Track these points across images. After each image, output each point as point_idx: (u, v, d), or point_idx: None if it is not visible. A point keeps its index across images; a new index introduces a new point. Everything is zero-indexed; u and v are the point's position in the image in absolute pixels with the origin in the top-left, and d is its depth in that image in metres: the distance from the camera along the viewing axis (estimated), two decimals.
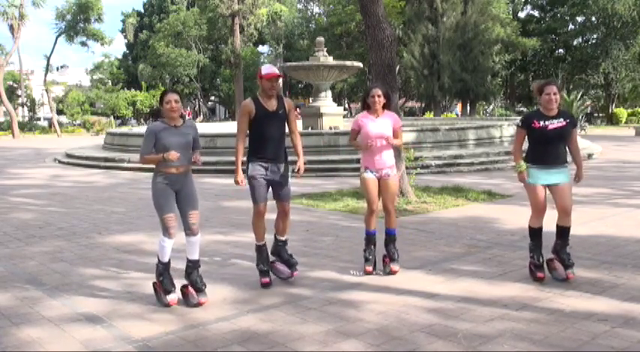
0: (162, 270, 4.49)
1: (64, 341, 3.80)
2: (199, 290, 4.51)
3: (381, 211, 5.29)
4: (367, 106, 5.18)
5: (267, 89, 4.86)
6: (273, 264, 5.15)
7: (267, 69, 4.92)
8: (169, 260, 4.53)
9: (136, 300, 4.57)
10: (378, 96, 5.09)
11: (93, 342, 3.77)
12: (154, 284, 4.59)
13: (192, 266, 4.58)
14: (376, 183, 5.12)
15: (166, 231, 4.43)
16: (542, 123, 4.77)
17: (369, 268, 5.19)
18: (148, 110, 51.37)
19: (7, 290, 4.91)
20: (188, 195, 4.53)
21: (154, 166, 4.49)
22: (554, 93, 4.73)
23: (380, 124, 5.10)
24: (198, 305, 4.44)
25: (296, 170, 5.01)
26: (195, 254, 4.58)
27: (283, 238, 5.14)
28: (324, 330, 3.89)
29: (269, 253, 5.14)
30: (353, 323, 4.02)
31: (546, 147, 4.80)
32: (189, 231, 4.55)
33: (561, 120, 4.78)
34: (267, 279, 4.93)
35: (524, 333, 3.76)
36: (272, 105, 4.89)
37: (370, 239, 5.24)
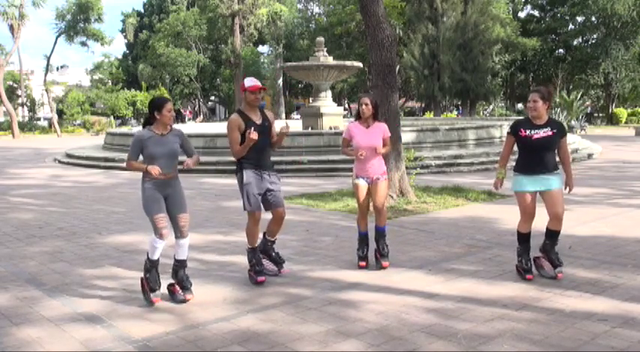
0: (150, 267, 4.53)
1: (64, 341, 3.80)
2: (185, 287, 4.61)
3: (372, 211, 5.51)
4: (358, 115, 5.43)
5: (251, 101, 4.94)
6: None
7: (250, 81, 4.96)
8: (158, 259, 4.57)
9: (136, 300, 4.57)
10: (365, 104, 5.31)
11: (93, 342, 3.77)
12: (142, 279, 4.62)
13: (180, 265, 4.67)
14: (367, 188, 5.40)
15: (158, 232, 4.47)
16: (528, 132, 4.82)
17: (363, 263, 5.44)
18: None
19: (7, 290, 4.92)
20: (177, 199, 4.60)
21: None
22: (534, 101, 4.78)
23: (370, 135, 5.32)
24: (184, 301, 4.52)
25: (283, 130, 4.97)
26: (184, 254, 4.68)
27: (273, 239, 5.26)
28: (324, 330, 3.89)
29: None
30: (353, 323, 4.02)
31: (532, 156, 4.83)
32: (179, 233, 4.63)
33: (548, 129, 4.80)
34: (263, 278, 5.00)
35: (524, 333, 3.76)
36: (257, 117, 4.99)
37: (363, 239, 5.52)
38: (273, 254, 5.25)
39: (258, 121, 4.96)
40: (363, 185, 5.36)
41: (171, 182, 4.55)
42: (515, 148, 5.01)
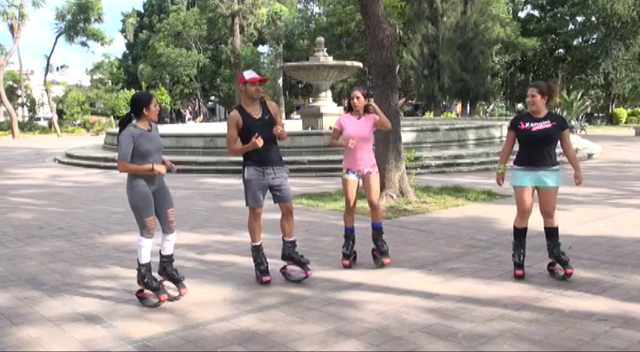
0: (146, 272, 4.48)
1: (64, 341, 3.80)
2: (178, 281, 4.58)
3: (368, 211, 5.48)
4: (350, 108, 5.46)
5: (252, 93, 4.90)
6: (285, 269, 5.16)
7: (249, 74, 4.94)
8: (150, 261, 4.53)
9: (136, 300, 4.56)
10: (357, 97, 5.35)
11: (93, 342, 3.77)
12: (138, 293, 4.56)
13: (168, 260, 4.63)
14: (356, 183, 5.42)
15: (147, 233, 4.46)
16: (527, 124, 4.86)
17: (346, 262, 5.46)
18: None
19: (7, 290, 4.92)
20: (164, 194, 4.57)
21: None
22: (532, 96, 4.84)
23: (361, 125, 5.36)
24: (180, 296, 4.51)
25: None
26: (171, 249, 4.65)
27: (291, 239, 5.13)
28: (324, 330, 3.89)
29: (280, 258, 5.18)
30: (353, 323, 4.02)
31: (531, 149, 4.85)
32: (167, 229, 4.59)
33: (547, 122, 4.82)
34: (268, 278, 4.98)
35: (524, 333, 3.76)
36: (257, 111, 4.93)
37: (348, 235, 5.52)
38: (297, 256, 5.08)
39: (258, 115, 4.91)
40: (352, 180, 5.38)
41: (160, 178, 4.54)
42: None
